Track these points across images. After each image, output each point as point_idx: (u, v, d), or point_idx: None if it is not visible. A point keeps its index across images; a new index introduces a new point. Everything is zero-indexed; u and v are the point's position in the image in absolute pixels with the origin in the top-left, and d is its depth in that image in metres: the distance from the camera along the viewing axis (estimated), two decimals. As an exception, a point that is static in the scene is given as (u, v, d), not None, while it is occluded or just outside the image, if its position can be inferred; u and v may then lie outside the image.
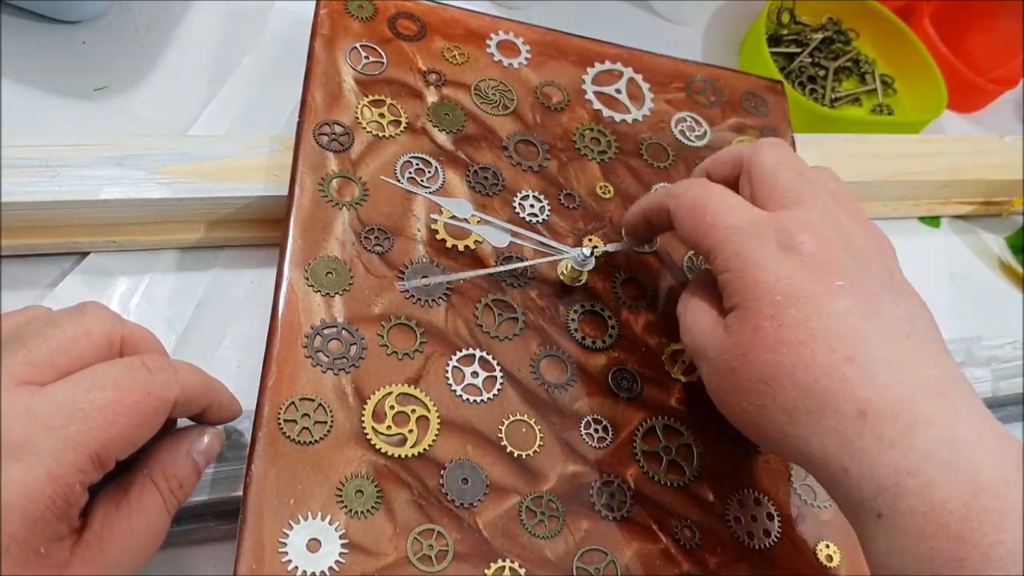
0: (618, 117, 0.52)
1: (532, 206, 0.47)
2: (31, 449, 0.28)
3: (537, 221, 0.47)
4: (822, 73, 0.72)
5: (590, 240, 0.47)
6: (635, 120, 0.52)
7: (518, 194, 0.47)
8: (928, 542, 0.29)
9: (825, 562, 0.42)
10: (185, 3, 0.54)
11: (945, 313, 0.56)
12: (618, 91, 0.53)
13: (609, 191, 0.49)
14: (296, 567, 0.35)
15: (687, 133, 0.53)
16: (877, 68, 0.75)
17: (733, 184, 0.40)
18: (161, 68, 0.52)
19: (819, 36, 0.73)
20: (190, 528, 0.40)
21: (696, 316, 0.39)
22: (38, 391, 0.29)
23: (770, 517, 0.42)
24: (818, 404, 0.32)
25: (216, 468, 0.39)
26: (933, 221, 0.67)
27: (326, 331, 0.40)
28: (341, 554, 0.35)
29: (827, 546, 0.42)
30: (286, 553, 0.35)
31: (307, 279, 0.41)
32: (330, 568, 0.35)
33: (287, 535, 0.35)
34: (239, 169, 0.46)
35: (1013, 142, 0.65)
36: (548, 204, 0.47)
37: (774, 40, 0.73)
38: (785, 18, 0.74)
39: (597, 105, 0.52)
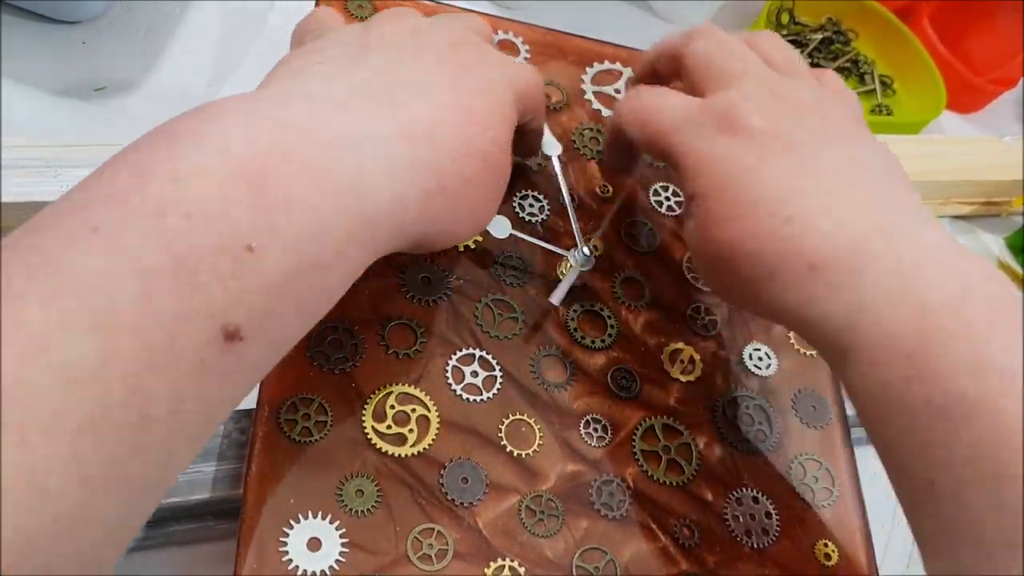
0: (617, 117, 0.52)
1: (532, 206, 0.47)
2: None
3: (536, 221, 0.47)
4: None
5: (589, 240, 0.47)
6: (634, 120, 0.52)
7: (517, 194, 0.47)
8: (884, 369, 0.31)
9: (823, 561, 0.42)
10: (185, 3, 0.54)
11: None
12: (617, 91, 0.53)
13: (608, 190, 0.49)
14: (297, 566, 0.35)
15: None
16: (876, 68, 0.76)
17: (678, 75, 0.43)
18: (161, 68, 0.53)
19: (818, 36, 0.74)
20: (190, 528, 0.40)
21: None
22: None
23: (768, 516, 0.42)
24: (771, 269, 0.34)
25: (217, 467, 0.39)
26: None
27: (325, 330, 0.40)
28: (341, 553, 0.35)
29: (825, 544, 0.42)
30: (287, 552, 0.35)
31: (307, 279, 0.41)
32: (330, 567, 0.35)
33: (287, 534, 0.35)
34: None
35: (1012, 142, 0.65)
36: (547, 204, 0.47)
37: (774, 41, 0.73)
38: (784, 18, 0.74)
39: (596, 105, 0.52)
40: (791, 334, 0.48)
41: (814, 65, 0.72)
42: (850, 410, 0.56)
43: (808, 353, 0.48)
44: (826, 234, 0.33)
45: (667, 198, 0.50)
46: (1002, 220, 0.66)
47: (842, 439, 0.45)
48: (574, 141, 0.50)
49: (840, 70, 0.74)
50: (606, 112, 0.52)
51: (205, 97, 0.52)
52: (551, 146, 0.47)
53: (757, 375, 0.46)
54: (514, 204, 0.47)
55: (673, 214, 0.50)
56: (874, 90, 0.74)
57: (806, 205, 0.34)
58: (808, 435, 0.45)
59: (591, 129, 0.51)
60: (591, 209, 0.48)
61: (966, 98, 0.75)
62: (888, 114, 0.73)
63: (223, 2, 0.56)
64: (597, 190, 0.49)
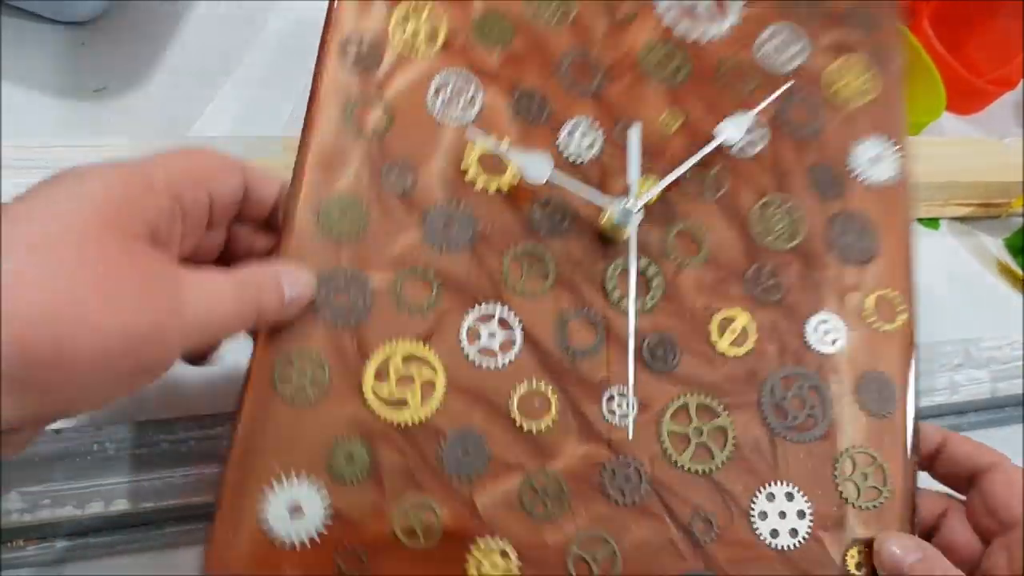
0: (694, 33, 0.45)
1: (583, 138, 0.42)
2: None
3: (585, 160, 0.42)
4: None
5: (647, 180, 0.42)
6: (714, 37, 0.45)
7: (567, 124, 0.42)
8: None
9: (855, 570, 0.38)
10: (185, 3, 0.53)
11: (944, 315, 0.59)
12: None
13: (674, 123, 0.43)
14: (277, 534, 0.34)
15: (776, 54, 0.45)
16: None
17: None
18: (161, 69, 0.52)
19: None
20: (188, 528, 0.40)
21: None
22: None
23: (801, 515, 0.38)
24: None
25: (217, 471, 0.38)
26: (932, 223, 0.66)
27: (334, 280, 0.37)
28: (324, 523, 0.34)
29: (859, 552, 0.38)
30: (266, 520, 0.34)
31: (318, 220, 0.38)
32: (311, 538, 0.34)
33: (268, 499, 0.34)
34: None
35: (1012, 144, 0.65)
36: (602, 137, 0.42)
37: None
38: None
39: (671, 18, 0.45)
40: (868, 303, 0.42)
41: None
42: (928, 400, 0.52)
43: (884, 329, 0.42)
44: None
45: (742, 141, 0.43)
46: (1002, 221, 0.66)
47: (905, 434, 0.40)
48: (640, 61, 0.44)
49: None
50: (680, 27, 0.45)
51: (204, 98, 0.51)
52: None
53: (819, 351, 0.41)
54: (559, 137, 0.42)
55: (746, 156, 0.44)
56: None
57: None
58: (866, 425, 0.40)
59: (661, 46, 0.44)
60: (649, 145, 0.43)
61: (966, 99, 0.74)
62: None
63: (223, 2, 0.55)
64: (660, 122, 0.43)
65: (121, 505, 0.38)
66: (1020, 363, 0.56)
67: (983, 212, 0.65)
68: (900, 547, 0.37)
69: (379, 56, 0.41)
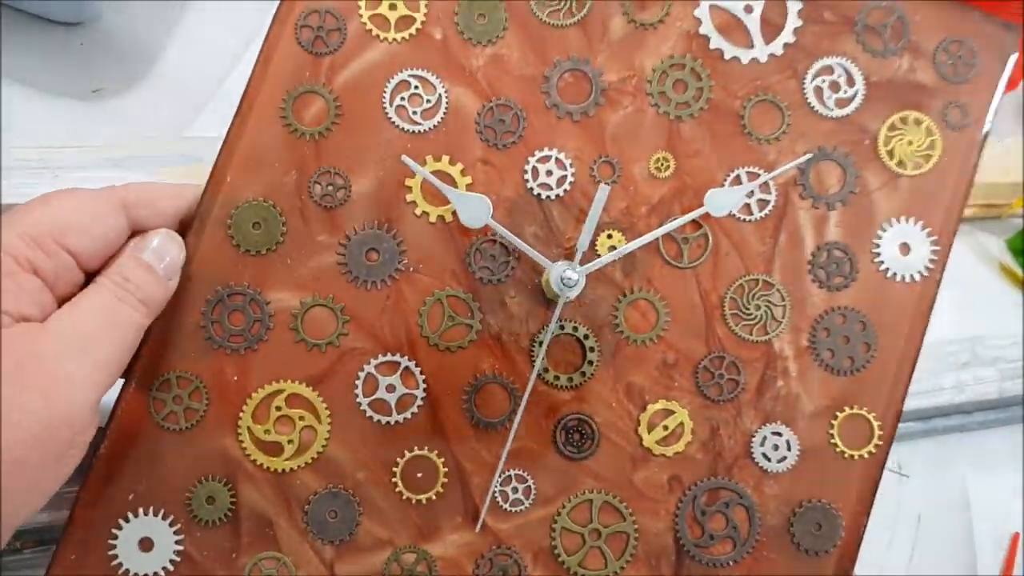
0: (731, 51, 0.37)
1: (550, 173, 0.36)
2: None
3: (548, 196, 0.36)
4: None
5: (610, 237, 0.36)
6: (755, 60, 0.37)
7: (538, 152, 0.36)
8: None
9: None
10: (183, 4, 0.52)
11: (945, 316, 0.55)
12: (749, 9, 0.37)
13: (667, 166, 0.36)
14: (121, 563, 0.33)
15: (825, 93, 0.37)
16: None
17: None
18: (159, 69, 0.51)
19: None
20: None
21: None
22: None
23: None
24: None
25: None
26: None
27: (231, 299, 0.34)
28: (172, 561, 0.33)
29: None
30: (114, 546, 0.33)
31: (228, 227, 0.34)
32: (155, 573, 0.33)
33: (121, 527, 0.33)
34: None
35: (1013, 145, 0.61)
36: (573, 174, 0.36)
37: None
38: None
39: (707, 28, 0.37)
40: (836, 422, 0.36)
41: None
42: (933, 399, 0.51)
43: (848, 454, 0.36)
44: None
45: (753, 196, 0.36)
46: (1002, 222, 0.62)
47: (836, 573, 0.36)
48: (649, 81, 0.37)
49: None
50: (716, 42, 0.37)
51: (202, 98, 0.50)
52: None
53: (761, 467, 0.36)
54: (526, 166, 0.36)
55: (746, 219, 0.37)
56: None
57: None
58: (790, 564, 0.36)
59: (682, 66, 0.37)
60: (631, 189, 0.36)
61: None
62: None
63: (220, 4, 0.52)
64: (651, 163, 0.36)
65: None
66: (1021, 362, 0.54)
67: (983, 213, 0.62)
68: None
69: (340, 35, 0.35)
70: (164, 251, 0.33)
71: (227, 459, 0.34)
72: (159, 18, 0.52)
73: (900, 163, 0.37)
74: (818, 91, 0.37)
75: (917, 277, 0.37)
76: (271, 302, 0.34)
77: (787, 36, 0.37)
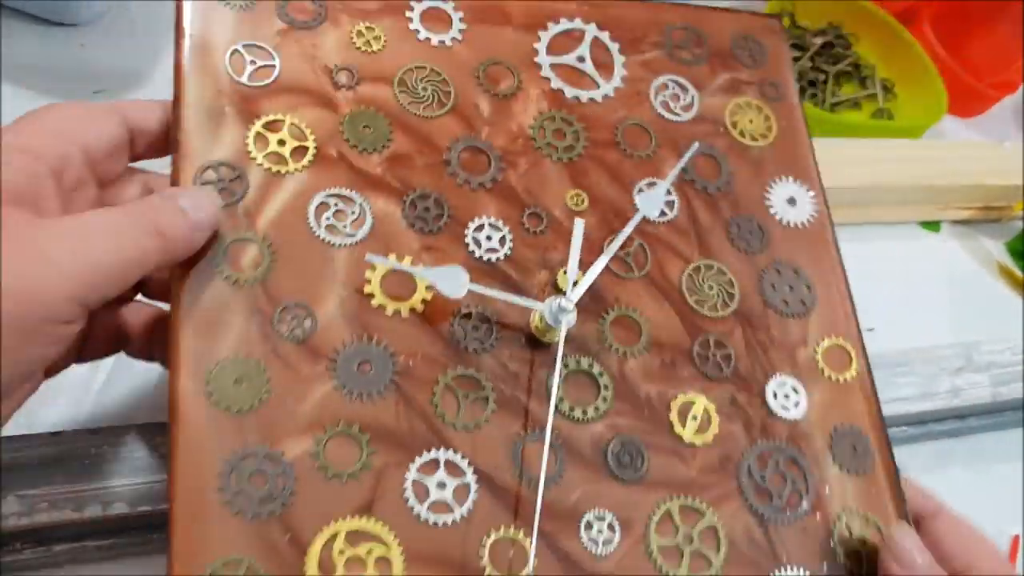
0: (585, 95, 0.42)
1: (490, 238, 0.37)
2: None
3: (498, 257, 0.37)
4: (822, 78, 0.71)
5: (566, 273, 0.37)
6: (606, 96, 0.42)
7: (471, 224, 0.37)
8: None
9: None
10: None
11: (944, 318, 0.59)
12: (581, 59, 0.43)
13: (582, 201, 0.39)
14: None
15: (671, 104, 0.43)
16: (877, 73, 0.74)
17: None
18: (160, 70, 0.52)
19: (819, 41, 0.73)
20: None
21: None
22: None
23: (816, 605, 0.35)
24: None
25: None
26: (933, 226, 0.66)
27: (244, 463, 0.31)
28: None
29: None
30: None
31: (210, 395, 0.31)
32: None
33: None
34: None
35: (1013, 147, 0.65)
36: (510, 232, 0.38)
37: (773, 44, 0.68)
38: (785, 22, 0.71)
39: (557, 83, 0.42)
40: (819, 356, 0.39)
41: (815, 69, 0.70)
42: (928, 404, 0.52)
43: (841, 379, 0.39)
44: None
45: (664, 204, 0.40)
46: (1002, 225, 0.66)
47: (891, 486, 0.38)
48: (533, 138, 0.40)
49: (841, 74, 0.73)
50: (570, 92, 0.41)
51: None
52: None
53: (784, 418, 0.38)
54: (467, 239, 0.37)
55: (665, 219, 0.40)
56: (875, 94, 0.73)
57: None
58: (851, 486, 0.37)
59: (554, 118, 0.41)
60: (562, 229, 0.39)
61: (967, 102, 0.74)
62: (889, 118, 0.71)
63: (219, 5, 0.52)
64: (568, 201, 0.39)
65: (119, 508, 0.37)
66: (1020, 367, 0.56)
67: (984, 215, 0.65)
68: (912, 542, 0.35)
69: (243, 182, 0.35)
70: (197, 199, 0.33)
71: (312, 630, 0.29)
72: (160, 19, 0.53)
73: (752, 138, 0.43)
74: (665, 104, 0.43)
75: (812, 218, 0.42)
76: (284, 452, 0.31)
77: (620, 71, 0.43)
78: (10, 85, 0.49)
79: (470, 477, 0.33)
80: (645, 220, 0.39)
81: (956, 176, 0.62)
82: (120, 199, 0.36)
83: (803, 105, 0.45)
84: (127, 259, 0.30)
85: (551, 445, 0.34)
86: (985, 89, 0.74)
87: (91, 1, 0.50)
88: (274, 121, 0.36)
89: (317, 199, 0.35)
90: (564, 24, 0.43)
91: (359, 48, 0.39)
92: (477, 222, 0.37)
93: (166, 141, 0.36)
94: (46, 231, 0.29)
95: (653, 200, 0.38)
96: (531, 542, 0.32)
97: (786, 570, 0.35)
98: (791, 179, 0.43)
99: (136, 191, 0.36)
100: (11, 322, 0.28)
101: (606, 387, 0.36)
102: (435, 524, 0.32)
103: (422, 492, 0.32)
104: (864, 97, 0.73)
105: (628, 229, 0.37)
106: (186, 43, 0.37)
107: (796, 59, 0.70)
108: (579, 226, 0.37)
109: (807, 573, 0.35)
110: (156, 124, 0.36)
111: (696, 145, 0.41)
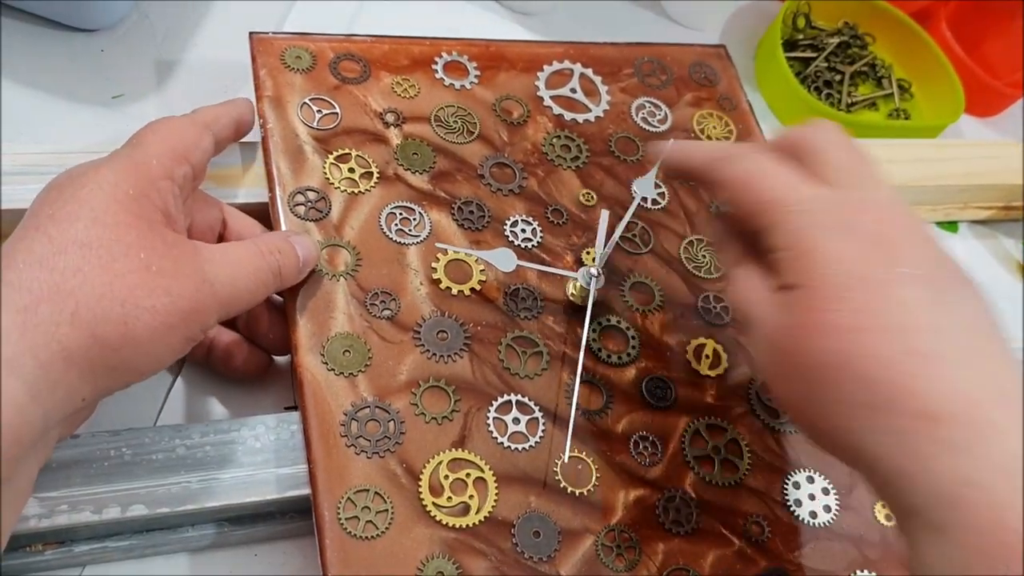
0: (580, 118, 0.51)
1: (523, 231, 0.46)
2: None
3: (532, 245, 0.46)
4: (838, 78, 0.70)
5: (588, 253, 0.46)
6: (597, 117, 0.52)
7: (507, 221, 0.46)
8: (987, 560, 0.27)
9: (885, 521, 0.43)
10: (203, 9, 0.53)
11: None
12: (573, 90, 0.52)
13: (592, 197, 0.48)
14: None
15: (649, 119, 0.53)
16: (894, 72, 0.73)
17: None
18: (179, 76, 0.52)
19: (835, 40, 0.71)
20: (204, 533, 0.39)
21: (749, 284, 0.35)
22: None
23: (826, 492, 0.43)
24: (878, 399, 0.29)
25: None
26: (951, 226, 0.65)
27: (360, 413, 0.38)
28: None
29: (884, 506, 0.43)
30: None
31: (325, 364, 0.39)
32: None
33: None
34: (258, 175, 0.45)
35: None
36: (538, 225, 0.46)
37: (790, 45, 0.70)
38: (800, 23, 0.71)
39: (557, 110, 0.51)
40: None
41: (831, 69, 0.70)
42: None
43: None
44: (952, 385, 0.29)
45: (651, 198, 0.49)
46: (1021, 224, 0.65)
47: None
48: (545, 153, 0.49)
49: (857, 74, 0.72)
50: (568, 115, 0.51)
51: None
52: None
53: (778, 352, 0.46)
54: (506, 232, 0.46)
55: (659, 207, 0.49)
56: (891, 94, 0.72)
57: (936, 344, 0.29)
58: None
59: (559, 136, 0.50)
60: (580, 220, 0.47)
61: (984, 102, 0.73)
62: (906, 118, 0.71)
63: (241, 8, 0.54)
64: (581, 199, 0.48)
65: (138, 510, 0.37)
66: None
67: (1002, 215, 0.63)
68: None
69: (327, 202, 0.43)
70: (307, 245, 0.40)
71: (432, 535, 0.36)
72: (179, 24, 0.53)
73: (717, 139, 0.53)
74: (644, 120, 0.52)
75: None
76: (391, 403, 0.39)
77: (605, 97, 0.52)
78: (29, 91, 0.49)
79: (538, 413, 0.41)
80: (644, 207, 0.48)
81: (974, 176, 0.61)
82: (188, 207, 0.39)
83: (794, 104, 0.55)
84: (256, 289, 0.37)
85: (598, 385, 0.42)
86: (1003, 88, 0.72)
87: (111, 2, 0.50)
88: (343, 154, 0.45)
89: (386, 211, 0.44)
90: (556, 65, 0.53)
91: (399, 95, 0.48)
92: (512, 219, 0.46)
93: (229, 143, 0.42)
94: (209, 258, 0.34)
95: (646, 184, 0.47)
96: (589, 457, 0.40)
97: (800, 472, 0.43)
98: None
99: (216, 213, 0.42)
100: (185, 325, 0.33)
101: (633, 337, 0.44)
102: (516, 450, 0.40)
103: (502, 427, 0.40)
104: (881, 97, 0.72)
105: (632, 210, 0.46)
106: (265, 104, 0.45)
107: (811, 59, 0.70)
108: (605, 215, 0.45)
109: (817, 473, 0.43)
110: (231, 132, 0.41)
111: (672, 141, 0.50)
